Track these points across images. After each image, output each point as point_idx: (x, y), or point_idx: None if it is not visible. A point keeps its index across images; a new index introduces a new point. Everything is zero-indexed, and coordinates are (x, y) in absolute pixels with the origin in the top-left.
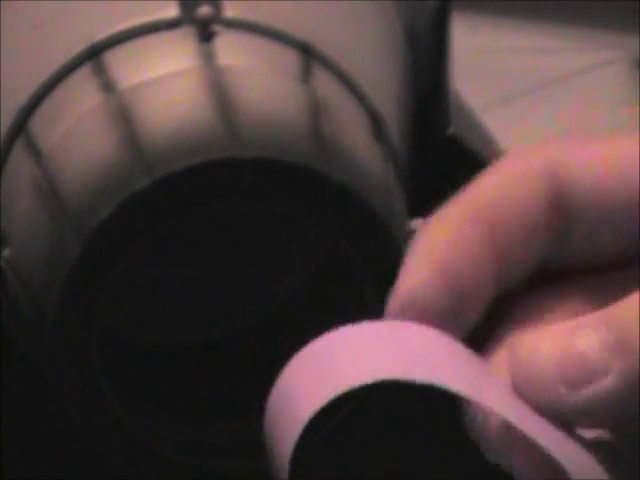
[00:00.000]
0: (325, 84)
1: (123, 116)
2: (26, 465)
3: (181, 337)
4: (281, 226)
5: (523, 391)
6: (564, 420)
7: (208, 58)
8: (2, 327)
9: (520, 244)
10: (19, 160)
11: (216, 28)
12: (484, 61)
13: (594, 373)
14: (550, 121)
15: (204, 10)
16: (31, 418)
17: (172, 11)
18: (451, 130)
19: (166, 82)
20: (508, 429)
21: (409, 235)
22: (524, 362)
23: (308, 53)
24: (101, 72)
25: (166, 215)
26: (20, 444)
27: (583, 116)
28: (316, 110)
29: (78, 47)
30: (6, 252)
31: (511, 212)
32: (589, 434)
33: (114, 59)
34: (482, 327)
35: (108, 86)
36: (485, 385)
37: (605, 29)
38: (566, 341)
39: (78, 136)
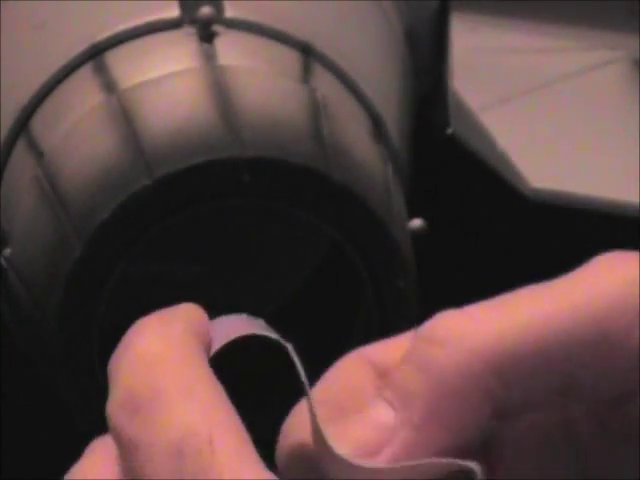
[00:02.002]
0: (325, 84)
1: (124, 116)
2: (26, 465)
3: None
4: (281, 226)
5: None
6: None
7: (209, 58)
8: (3, 326)
9: None
10: (21, 159)
11: (217, 28)
12: (483, 61)
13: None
14: (549, 121)
15: (205, 10)
16: (31, 417)
17: (173, 11)
18: (450, 130)
19: (167, 82)
20: None
21: (408, 234)
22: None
23: (308, 53)
24: (102, 72)
25: (166, 215)
26: (20, 444)
27: (583, 116)
28: (316, 110)
29: (79, 47)
30: (7, 251)
31: None
32: None
33: (115, 59)
34: None
35: (109, 86)
36: None
37: (605, 29)
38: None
39: (79, 136)
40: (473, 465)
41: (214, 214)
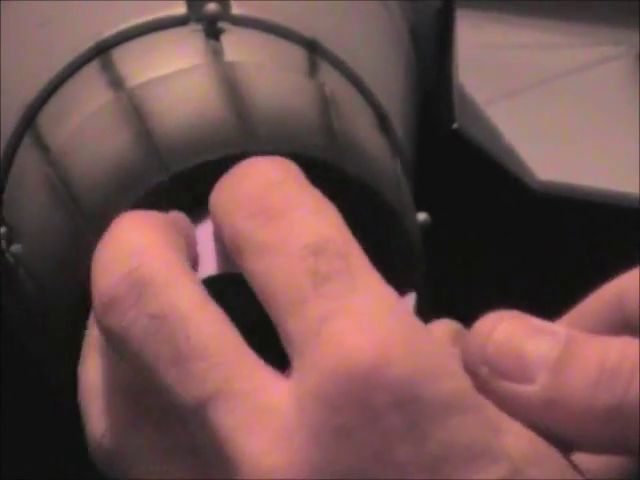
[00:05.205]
0: (331, 81)
1: (135, 113)
2: (26, 465)
3: None
4: None
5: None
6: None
7: (216, 55)
8: (7, 325)
9: None
10: (27, 156)
11: (223, 25)
12: (488, 56)
13: (523, 375)
14: (554, 115)
15: (211, 7)
16: (33, 417)
17: (180, 8)
18: (455, 125)
19: (176, 79)
20: None
21: (417, 227)
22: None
23: (314, 50)
24: (109, 69)
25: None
26: (21, 444)
27: (586, 110)
28: (326, 104)
29: (86, 44)
30: (17, 247)
31: None
32: None
33: (122, 56)
34: None
35: (116, 83)
36: None
37: (608, 25)
38: (519, 335)
39: (90, 133)
40: None
41: None
